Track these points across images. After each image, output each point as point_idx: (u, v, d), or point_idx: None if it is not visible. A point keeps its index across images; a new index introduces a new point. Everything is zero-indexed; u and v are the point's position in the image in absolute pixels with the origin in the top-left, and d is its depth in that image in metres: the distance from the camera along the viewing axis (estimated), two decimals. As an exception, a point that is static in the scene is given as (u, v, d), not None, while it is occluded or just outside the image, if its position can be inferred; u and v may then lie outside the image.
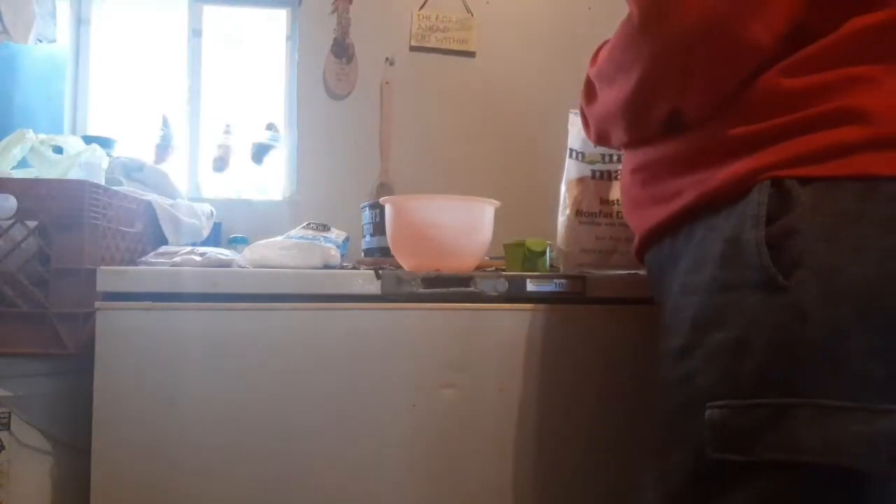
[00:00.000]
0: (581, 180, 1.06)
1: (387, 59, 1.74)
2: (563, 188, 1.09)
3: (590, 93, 0.76)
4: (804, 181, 0.53)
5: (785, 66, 0.56)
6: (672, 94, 0.62)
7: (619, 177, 1.05)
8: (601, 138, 0.79)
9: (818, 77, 0.55)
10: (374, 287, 0.90)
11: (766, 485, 0.53)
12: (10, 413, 0.89)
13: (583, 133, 1.05)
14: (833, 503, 0.52)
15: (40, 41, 1.56)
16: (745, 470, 0.54)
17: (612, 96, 0.69)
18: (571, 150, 1.07)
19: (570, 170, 1.07)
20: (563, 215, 1.08)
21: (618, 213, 1.05)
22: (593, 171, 1.06)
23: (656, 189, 0.68)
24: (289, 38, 1.79)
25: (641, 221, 0.72)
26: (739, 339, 0.55)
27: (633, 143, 0.73)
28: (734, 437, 0.54)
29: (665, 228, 0.67)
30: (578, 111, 0.84)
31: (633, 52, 0.63)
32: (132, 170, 1.30)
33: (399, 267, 1.00)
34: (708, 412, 0.56)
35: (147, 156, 1.60)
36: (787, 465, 0.52)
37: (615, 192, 1.06)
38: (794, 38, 0.56)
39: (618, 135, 0.74)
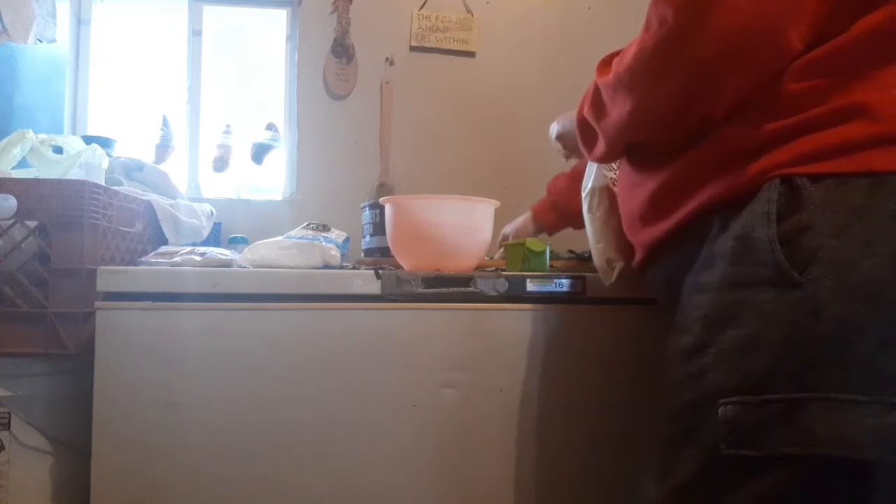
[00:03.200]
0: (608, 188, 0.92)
1: (387, 59, 1.74)
2: (587, 194, 0.92)
3: (600, 105, 0.71)
4: (814, 178, 0.54)
5: (794, 67, 0.56)
6: (709, 98, 0.60)
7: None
8: (613, 150, 0.74)
9: (826, 77, 0.55)
10: (374, 287, 0.90)
11: (777, 477, 0.54)
12: (10, 413, 0.89)
13: None
14: (843, 494, 0.52)
15: (40, 41, 1.56)
16: (757, 463, 0.54)
17: (631, 105, 0.65)
18: None
19: (596, 176, 0.92)
20: (594, 220, 0.92)
21: None
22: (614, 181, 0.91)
23: (660, 202, 0.68)
24: (289, 38, 1.79)
25: (645, 235, 0.72)
26: (753, 335, 0.55)
27: (657, 147, 0.69)
28: (748, 433, 0.54)
29: (673, 237, 0.67)
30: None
31: (669, 57, 0.59)
32: (132, 170, 1.30)
33: (399, 267, 1.00)
34: (721, 409, 0.56)
35: (147, 156, 1.60)
36: (798, 457, 0.53)
37: None
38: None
39: (636, 142, 0.70)
